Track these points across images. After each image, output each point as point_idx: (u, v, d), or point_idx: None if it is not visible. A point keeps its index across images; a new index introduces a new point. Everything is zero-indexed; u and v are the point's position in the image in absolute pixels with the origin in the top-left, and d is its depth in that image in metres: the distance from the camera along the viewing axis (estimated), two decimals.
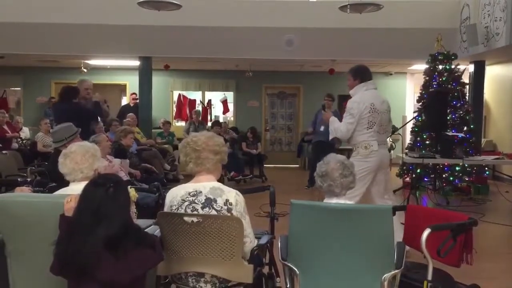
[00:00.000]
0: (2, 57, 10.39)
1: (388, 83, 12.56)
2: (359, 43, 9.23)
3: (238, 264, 2.52)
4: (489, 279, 3.92)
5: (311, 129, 9.19)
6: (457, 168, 7.91)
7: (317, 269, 2.46)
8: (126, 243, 2.09)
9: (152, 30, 9.10)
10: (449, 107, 7.73)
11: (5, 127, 8.72)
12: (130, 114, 9.63)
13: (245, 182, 9.53)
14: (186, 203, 2.55)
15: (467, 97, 8.78)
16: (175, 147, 9.95)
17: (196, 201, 2.54)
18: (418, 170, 7.92)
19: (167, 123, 10.80)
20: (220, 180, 2.74)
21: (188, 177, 2.75)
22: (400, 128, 7.06)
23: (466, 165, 7.67)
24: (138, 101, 10.40)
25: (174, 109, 13.25)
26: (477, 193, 8.25)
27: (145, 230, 2.47)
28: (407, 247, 2.68)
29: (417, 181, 7.58)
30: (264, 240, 2.80)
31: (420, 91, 8.69)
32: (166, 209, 2.64)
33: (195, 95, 13.37)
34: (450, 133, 7.33)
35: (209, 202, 2.52)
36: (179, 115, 13.13)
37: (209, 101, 13.35)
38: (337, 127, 4.46)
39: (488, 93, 10.30)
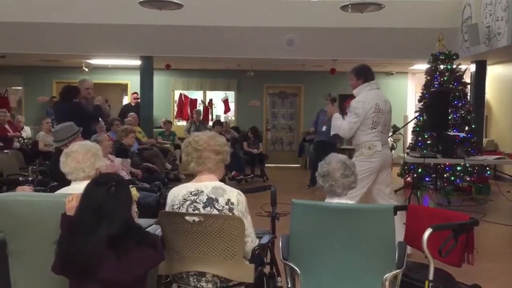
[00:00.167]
0: (3, 56, 10.39)
1: (390, 82, 12.55)
2: (360, 43, 9.22)
3: (239, 263, 2.53)
4: (490, 279, 3.92)
5: (313, 129, 9.19)
6: (458, 168, 7.90)
7: (318, 269, 2.46)
8: (128, 243, 2.10)
9: (153, 29, 9.10)
10: (450, 106, 7.72)
11: (7, 126, 8.72)
12: (131, 113, 9.64)
13: (246, 181, 9.53)
14: (188, 202, 2.55)
15: (468, 97, 8.77)
16: (176, 147, 9.96)
17: (197, 200, 2.54)
18: (420, 170, 7.91)
19: (168, 123, 10.81)
20: (222, 179, 2.73)
21: (190, 177, 2.76)
22: (401, 127, 7.05)
23: (467, 165, 7.66)
24: (139, 100, 10.41)
25: (175, 108, 13.25)
26: (478, 193, 8.25)
27: (146, 229, 2.47)
28: (409, 247, 2.68)
29: (418, 181, 7.58)
30: (265, 239, 2.80)
31: (422, 91, 8.68)
32: (167, 208, 2.65)
33: (196, 95, 13.37)
34: (451, 133, 7.33)
35: (210, 202, 2.52)
36: (180, 115, 13.13)
37: (210, 100, 13.35)
38: (340, 125, 4.45)
39: (490, 93, 10.29)
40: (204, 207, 2.52)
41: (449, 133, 7.21)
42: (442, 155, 6.80)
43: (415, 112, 9.27)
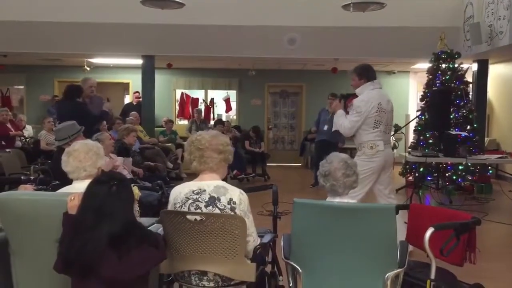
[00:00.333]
0: (5, 55, 10.41)
1: (391, 81, 12.53)
2: (362, 42, 9.21)
3: (241, 262, 2.53)
4: (492, 278, 3.91)
5: (314, 129, 9.20)
6: (460, 167, 7.89)
7: (320, 268, 2.46)
8: (129, 241, 2.10)
9: (155, 28, 9.09)
10: (452, 106, 7.71)
11: (9, 125, 8.74)
12: (133, 112, 9.64)
13: (248, 180, 9.54)
14: (190, 201, 2.55)
15: (470, 96, 8.75)
16: (178, 146, 9.97)
17: (199, 199, 2.54)
18: (421, 169, 7.90)
19: (169, 122, 10.81)
20: (224, 178, 2.73)
21: (191, 176, 2.76)
22: (403, 127, 7.04)
23: (469, 164, 7.64)
24: (141, 99, 10.41)
25: (177, 107, 13.25)
26: (480, 192, 8.24)
27: (148, 228, 2.47)
28: (410, 246, 2.68)
29: (420, 180, 7.57)
30: (266, 238, 2.80)
31: (423, 90, 8.67)
32: (169, 206, 2.65)
33: (198, 94, 13.37)
34: (453, 132, 7.31)
35: (212, 201, 2.52)
36: (182, 114, 13.13)
37: (212, 99, 13.35)
38: (342, 122, 4.45)
39: (492, 92, 10.27)
40: (206, 206, 2.52)
41: (451, 132, 7.20)
42: (444, 154, 6.79)
43: (417, 111, 9.24)
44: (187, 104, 13.04)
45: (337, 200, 2.62)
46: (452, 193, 7.74)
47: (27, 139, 9.50)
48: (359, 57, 9.11)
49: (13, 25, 8.94)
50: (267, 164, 10.28)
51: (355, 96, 4.55)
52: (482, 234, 4.08)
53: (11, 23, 8.92)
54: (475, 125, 8.22)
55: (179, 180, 8.24)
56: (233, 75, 12.87)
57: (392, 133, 5.03)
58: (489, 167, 8.41)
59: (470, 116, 8.23)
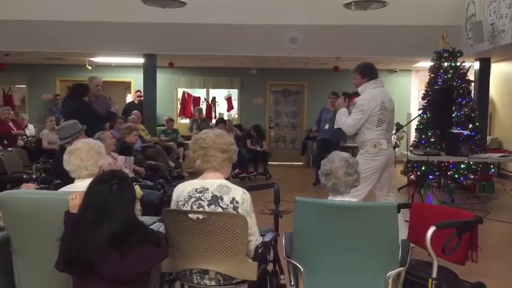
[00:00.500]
0: (7, 54, 10.42)
1: (393, 80, 12.51)
2: (364, 41, 9.19)
3: (242, 261, 2.53)
4: (494, 277, 3.91)
5: (315, 128, 9.19)
6: (462, 166, 7.87)
7: (322, 266, 2.46)
8: (131, 240, 2.10)
9: (156, 27, 9.09)
10: (454, 104, 7.70)
11: (11, 124, 8.76)
12: (134, 111, 9.64)
13: (250, 179, 9.54)
14: (193, 200, 2.55)
15: (472, 95, 8.73)
16: (179, 145, 9.97)
17: (202, 198, 2.54)
18: (423, 168, 7.89)
19: (170, 121, 10.81)
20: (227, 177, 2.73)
21: (193, 175, 2.76)
22: (405, 125, 7.02)
23: (471, 163, 7.63)
24: (142, 98, 10.42)
25: (179, 106, 13.26)
26: (482, 191, 8.22)
27: (150, 227, 2.47)
28: (412, 245, 2.67)
29: (421, 179, 7.56)
30: (268, 237, 2.80)
31: (425, 88, 8.65)
32: (172, 204, 2.65)
33: (200, 93, 13.37)
34: (455, 131, 7.30)
35: (215, 200, 2.52)
36: (184, 113, 13.14)
37: (214, 98, 13.35)
38: (344, 120, 4.44)
39: (494, 90, 10.25)
40: (208, 205, 2.53)
41: (453, 130, 7.18)
42: (446, 153, 6.77)
43: (419, 109, 9.22)
44: (188, 103, 13.05)
45: (338, 199, 2.62)
46: (454, 191, 7.73)
47: (29, 138, 9.51)
48: (361, 55, 9.08)
49: (15, 24, 8.95)
50: (269, 163, 10.28)
51: (357, 94, 4.54)
52: (484, 233, 4.07)
53: (13, 22, 8.93)
54: (477, 124, 8.20)
55: (180, 179, 8.23)
56: (234, 74, 12.87)
57: (394, 131, 5.02)
58: (491, 166, 8.39)
59: (472, 115, 8.21)
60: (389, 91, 4.79)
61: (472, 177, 8.08)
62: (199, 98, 13.18)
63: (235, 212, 2.51)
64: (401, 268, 2.39)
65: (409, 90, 12.91)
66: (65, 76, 12.82)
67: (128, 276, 2.08)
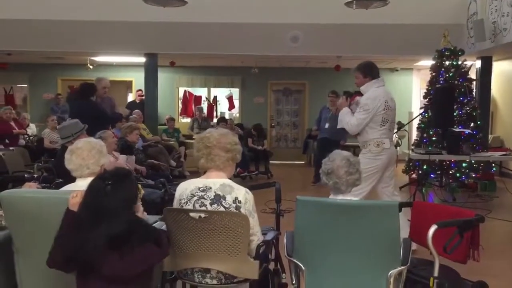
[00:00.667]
0: (9, 54, 10.44)
1: (394, 79, 12.50)
2: (365, 39, 9.18)
3: (244, 260, 2.53)
4: (496, 276, 3.91)
5: (315, 128, 9.20)
6: (463, 165, 7.87)
7: (323, 265, 2.46)
8: (130, 239, 2.08)
9: (157, 26, 9.09)
10: (455, 103, 7.68)
11: (12, 123, 8.77)
12: (136, 110, 9.65)
13: (251, 178, 9.54)
14: (195, 198, 2.56)
15: (474, 93, 8.72)
16: (181, 144, 9.98)
17: (205, 196, 2.54)
18: (425, 167, 7.88)
19: (171, 120, 10.82)
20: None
21: (194, 174, 2.76)
22: (406, 124, 7.01)
23: (473, 162, 7.62)
24: (144, 97, 10.43)
25: (180, 105, 13.27)
26: (484, 189, 8.21)
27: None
28: (414, 244, 2.67)
29: (423, 178, 7.55)
30: (270, 236, 2.80)
31: (427, 87, 8.64)
32: (175, 202, 2.65)
33: (201, 92, 13.37)
34: (456, 129, 7.29)
35: (218, 199, 2.52)
36: (185, 112, 13.15)
37: (215, 97, 13.35)
38: (348, 120, 4.43)
39: (495, 89, 10.23)
40: (211, 204, 2.53)
41: (454, 129, 7.17)
42: (447, 152, 6.76)
43: (420, 108, 9.21)
44: (190, 102, 13.06)
45: (339, 197, 2.61)
46: (455, 190, 7.72)
47: (31, 137, 9.52)
48: (362, 54, 9.08)
49: (17, 23, 8.96)
50: (270, 161, 10.28)
51: (358, 93, 4.54)
52: (485, 232, 4.06)
53: (14, 21, 8.94)
54: (478, 122, 8.19)
55: (182, 178, 8.24)
56: (236, 73, 12.87)
57: (395, 130, 5.01)
58: (493, 165, 8.38)
59: (474, 113, 8.20)
60: (390, 90, 4.80)
61: (473, 175, 8.07)
62: (200, 97, 13.19)
63: (236, 211, 2.51)
64: (402, 267, 2.38)
65: (411, 89, 12.89)
66: (66, 76, 12.83)
67: (128, 275, 2.08)
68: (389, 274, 2.36)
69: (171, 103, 13.00)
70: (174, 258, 2.58)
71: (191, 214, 2.49)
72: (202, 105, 12.64)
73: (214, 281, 2.59)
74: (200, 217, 2.48)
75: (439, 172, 7.73)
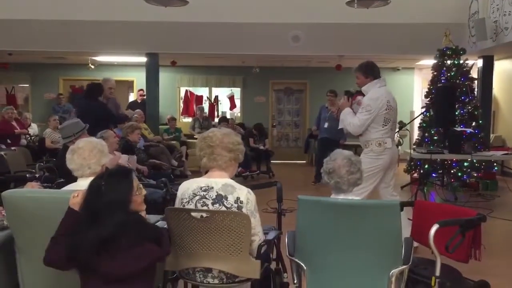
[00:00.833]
0: (10, 54, 10.45)
1: (396, 78, 12.49)
2: (366, 39, 9.18)
3: (245, 259, 2.53)
4: (498, 275, 3.90)
5: (315, 128, 9.20)
6: (465, 164, 7.86)
7: (324, 265, 2.46)
8: (126, 237, 2.08)
9: (159, 26, 9.10)
10: (457, 102, 7.68)
11: (14, 123, 8.78)
12: (137, 110, 9.65)
13: (252, 178, 9.55)
14: (197, 198, 2.56)
15: (475, 92, 8.71)
16: (182, 143, 9.98)
17: (207, 196, 2.54)
18: (426, 166, 7.88)
19: (173, 119, 10.82)
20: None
21: (196, 174, 2.77)
22: (408, 123, 7.02)
23: (474, 161, 7.62)
24: (145, 97, 10.43)
25: (181, 105, 13.27)
26: (485, 189, 8.20)
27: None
28: (415, 243, 2.67)
29: (425, 177, 7.54)
30: (271, 235, 2.80)
31: (428, 86, 8.63)
32: (177, 201, 2.66)
33: (202, 91, 13.38)
34: (458, 129, 7.28)
35: (219, 199, 2.52)
36: (186, 111, 13.16)
37: (216, 97, 13.35)
38: (350, 121, 4.43)
39: (497, 88, 10.21)
40: (213, 204, 2.53)
41: (456, 128, 7.17)
42: (449, 151, 6.75)
43: (422, 107, 9.20)
44: (191, 102, 13.06)
45: (341, 197, 2.61)
46: (457, 190, 7.71)
47: (32, 137, 9.53)
48: (364, 53, 9.08)
49: (18, 23, 8.97)
50: (272, 161, 10.28)
51: (359, 93, 4.54)
52: (487, 231, 4.06)
53: (15, 21, 8.95)
54: (480, 122, 8.18)
55: (183, 177, 8.24)
56: (237, 72, 12.87)
57: (397, 130, 5.01)
58: (495, 164, 8.37)
59: (475, 113, 8.19)
60: (392, 89, 4.79)
61: (475, 175, 8.07)
62: (201, 97, 13.19)
63: (238, 211, 2.51)
64: (404, 266, 2.38)
65: (412, 88, 12.88)
66: (68, 75, 12.85)
67: (124, 274, 2.08)
68: (390, 273, 2.36)
69: (173, 103, 13.00)
70: (175, 258, 2.59)
71: (193, 214, 2.49)
72: (203, 104, 12.64)
73: (216, 281, 2.59)
74: (202, 216, 2.49)
75: (441, 171, 7.72)
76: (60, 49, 9.60)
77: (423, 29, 8.84)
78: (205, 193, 2.56)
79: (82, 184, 2.62)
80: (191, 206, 2.55)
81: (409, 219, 3.28)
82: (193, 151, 8.90)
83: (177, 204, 2.65)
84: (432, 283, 2.48)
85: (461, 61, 8.28)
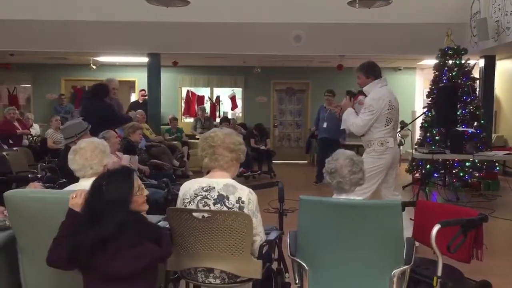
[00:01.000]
0: (12, 54, 10.46)
1: (398, 78, 12.48)
2: (368, 39, 9.18)
3: (247, 259, 2.53)
4: (499, 275, 3.90)
5: (314, 128, 9.20)
6: (467, 164, 7.85)
7: (326, 265, 2.46)
8: (126, 237, 2.09)
9: (160, 26, 9.11)
10: (459, 102, 7.67)
11: (16, 123, 8.80)
12: (139, 110, 9.66)
13: (254, 178, 9.55)
14: (199, 198, 2.56)
15: (477, 92, 8.70)
16: (184, 144, 9.98)
17: (208, 196, 2.55)
18: (428, 166, 7.87)
19: (174, 120, 10.83)
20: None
21: (197, 174, 2.77)
22: (409, 123, 7.02)
23: (476, 161, 7.60)
24: (147, 97, 10.44)
25: (183, 105, 13.28)
26: (487, 188, 8.19)
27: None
28: (417, 243, 2.67)
29: (426, 177, 7.53)
30: (273, 235, 2.80)
31: (430, 86, 8.63)
32: (178, 201, 2.66)
33: (204, 92, 13.38)
34: (460, 129, 7.28)
35: (221, 199, 2.53)
36: (188, 112, 13.17)
37: (218, 97, 13.36)
38: (353, 121, 4.43)
39: (499, 88, 10.20)
40: (214, 204, 2.53)
41: (457, 128, 7.16)
42: (451, 151, 6.75)
43: (423, 107, 9.20)
44: (192, 102, 13.07)
45: (343, 197, 2.61)
46: (459, 189, 7.70)
47: (34, 138, 9.55)
48: (365, 53, 9.08)
49: (19, 24, 8.99)
50: (273, 161, 10.27)
51: (361, 93, 4.54)
52: (489, 231, 4.06)
53: (17, 22, 8.97)
54: (482, 122, 8.17)
55: (185, 178, 8.25)
56: (238, 72, 12.88)
57: (399, 129, 5.01)
58: (496, 164, 8.36)
59: (477, 113, 8.18)
60: (393, 89, 4.80)
61: (477, 175, 8.06)
62: (203, 97, 13.20)
63: (239, 211, 2.51)
64: (406, 267, 2.38)
65: (414, 88, 12.87)
66: (69, 76, 12.88)
67: (124, 273, 2.08)
68: (392, 273, 2.36)
69: (174, 103, 13.01)
70: (177, 258, 2.59)
71: (194, 214, 2.50)
72: (205, 105, 12.64)
73: (217, 281, 2.59)
74: (203, 216, 2.49)
75: (443, 171, 7.72)
76: (62, 49, 9.62)
77: (425, 29, 8.84)
78: (206, 193, 2.56)
79: (84, 184, 2.62)
80: (193, 206, 2.55)
81: (411, 219, 3.27)
82: (194, 151, 8.92)
83: (179, 204, 2.65)
84: (434, 283, 2.48)
85: (463, 61, 8.28)
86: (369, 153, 4.41)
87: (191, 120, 12.36)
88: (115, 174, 2.25)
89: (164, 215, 2.76)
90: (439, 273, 2.48)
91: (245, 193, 2.56)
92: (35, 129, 10.15)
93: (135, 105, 10.86)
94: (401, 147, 5.06)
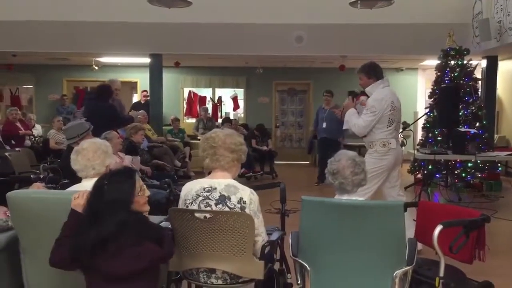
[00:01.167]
0: (14, 55, 10.48)
1: (400, 78, 12.47)
2: (370, 39, 9.17)
3: (249, 260, 2.53)
4: (502, 276, 3.89)
5: (312, 129, 9.20)
6: (469, 164, 7.84)
7: (328, 265, 2.46)
8: (127, 237, 2.09)
9: (162, 27, 9.12)
10: (461, 102, 7.66)
11: (18, 124, 8.82)
12: (141, 111, 9.67)
13: (256, 178, 9.54)
14: (200, 198, 2.56)
15: (479, 93, 8.69)
16: (186, 144, 9.99)
17: (210, 197, 2.55)
18: (430, 167, 7.86)
19: (176, 120, 10.84)
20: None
21: (199, 174, 2.77)
22: (411, 124, 7.01)
23: (478, 161, 7.60)
24: (149, 98, 10.46)
25: (185, 106, 13.29)
26: (489, 189, 8.18)
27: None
28: (419, 246, 2.67)
29: (428, 178, 7.53)
30: (275, 236, 2.80)
31: (432, 87, 8.62)
32: (180, 202, 2.66)
33: (206, 92, 13.39)
34: (462, 129, 7.27)
35: (223, 199, 2.53)
36: (190, 112, 13.17)
37: (219, 98, 13.37)
38: (355, 122, 4.43)
39: (501, 88, 10.19)
40: (216, 204, 2.53)
41: (460, 129, 7.15)
42: (453, 152, 6.74)
43: (425, 108, 9.19)
44: (194, 103, 13.08)
45: (345, 197, 2.61)
46: (461, 190, 7.69)
47: (37, 138, 9.57)
48: (367, 54, 9.07)
49: (22, 25, 9.00)
50: (275, 162, 10.27)
51: (363, 93, 4.54)
52: (491, 232, 4.05)
53: (19, 23, 8.98)
54: (484, 122, 8.16)
55: (187, 178, 8.26)
56: (240, 73, 12.88)
57: (401, 130, 5.01)
58: (499, 164, 8.34)
59: (479, 113, 8.17)
60: (395, 89, 4.79)
61: (479, 175, 8.05)
62: (205, 97, 13.21)
63: (241, 212, 2.51)
64: (408, 267, 2.38)
65: (416, 89, 12.86)
66: (72, 77, 12.89)
67: (125, 274, 2.09)
68: (394, 274, 2.36)
69: (176, 104, 13.02)
70: (179, 258, 2.59)
71: (196, 214, 2.50)
72: (206, 105, 12.65)
73: (220, 281, 2.59)
74: (205, 217, 2.49)
75: (445, 172, 7.71)
76: (63, 50, 9.63)
77: (427, 30, 8.83)
78: (208, 193, 2.56)
79: (87, 185, 2.63)
80: (195, 206, 2.56)
81: (414, 220, 3.27)
82: (196, 152, 8.91)
83: (181, 205, 2.65)
84: (436, 284, 2.48)
85: (465, 62, 8.27)
86: (371, 154, 4.41)
87: (193, 120, 12.38)
88: (117, 174, 2.25)
89: (166, 216, 2.76)
90: (441, 273, 2.48)
91: (247, 193, 2.56)
92: (37, 129, 10.17)
93: (137, 106, 10.88)
94: (403, 147, 5.05)
